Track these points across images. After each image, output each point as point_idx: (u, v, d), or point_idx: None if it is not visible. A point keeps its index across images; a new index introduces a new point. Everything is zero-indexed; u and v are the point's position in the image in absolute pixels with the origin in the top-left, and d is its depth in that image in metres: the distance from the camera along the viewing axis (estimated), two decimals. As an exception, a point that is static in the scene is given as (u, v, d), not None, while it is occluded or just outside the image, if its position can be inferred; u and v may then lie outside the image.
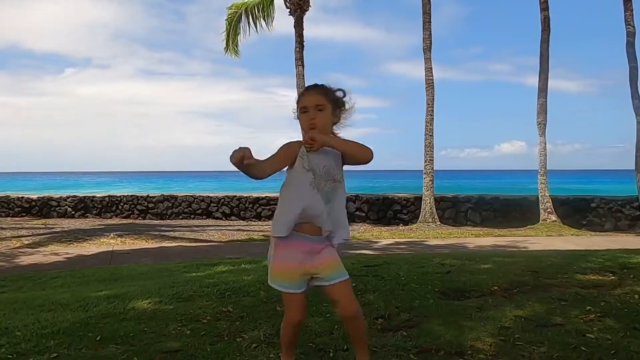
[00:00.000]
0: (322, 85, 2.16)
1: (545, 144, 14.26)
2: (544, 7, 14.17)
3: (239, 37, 16.32)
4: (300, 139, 2.15)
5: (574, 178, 59.37)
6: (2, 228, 13.52)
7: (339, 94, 2.15)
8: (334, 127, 2.14)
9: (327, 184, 2.07)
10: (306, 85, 2.21)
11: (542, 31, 14.26)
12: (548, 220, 13.62)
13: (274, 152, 2.12)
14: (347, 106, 2.17)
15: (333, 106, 2.11)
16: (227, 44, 16.35)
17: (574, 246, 8.64)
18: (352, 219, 15.66)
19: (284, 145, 2.14)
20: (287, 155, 2.10)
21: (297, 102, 2.16)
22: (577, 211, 14.44)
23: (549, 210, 13.82)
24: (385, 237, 11.53)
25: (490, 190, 21.77)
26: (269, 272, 2.13)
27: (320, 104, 2.08)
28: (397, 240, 10.82)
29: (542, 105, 14.18)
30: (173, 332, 2.73)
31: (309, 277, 2.09)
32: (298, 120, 2.17)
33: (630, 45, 13.57)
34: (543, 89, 14.23)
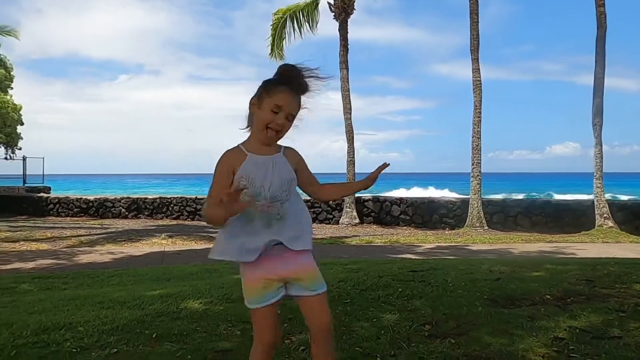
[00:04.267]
0: (305, 87, 1.83)
1: (601, 145, 13.60)
2: (600, 3, 13.54)
3: (284, 41, 16.57)
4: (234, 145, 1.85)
5: (633, 181, 56.21)
6: (63, 227, 14.33)
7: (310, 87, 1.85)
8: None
9: (284, 195, 1.81)
10: (288, 81, 1.79)
11: (597, 28, 13.63)
12: (604, 226, 12.98)
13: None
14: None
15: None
16: (272, 48, 16.63)
17: (633, 254, 8.20)
18: (397, 222, 15.50)
19: (219, 160, 1.81)
20: (228, 174, 1.78)
21: (271, 91, 1.78)
22: (636, 217, 13.65)
23: (605, 215, 13.16)
24: (431, 241, 11.35)
25: (542, 194, 20.99)
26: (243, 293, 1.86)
27: (293, 115, 1.81)
28: (442, 244, 10.63)
29: (598, 106, 13.54)
30: (224, 332, 2.82)
31: (281, 285, 1.84)
32: (251, 109, 1.84)
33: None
34: (599, 89, 13.59)
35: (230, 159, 1.80)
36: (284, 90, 1.78)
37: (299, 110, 1.84)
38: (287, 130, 1.84)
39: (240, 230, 1.78)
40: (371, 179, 1.98)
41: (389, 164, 2.00)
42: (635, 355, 2.44)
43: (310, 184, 1.96)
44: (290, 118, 1.81)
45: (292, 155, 1.89)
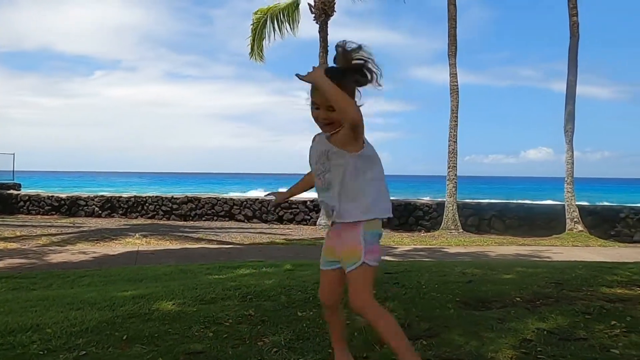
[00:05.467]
0: (334, 75, 1.88)
1: (572, 151, 13.98)
2: (573, 13, 13.92)
3: (264, 42, 16.52)
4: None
5: (603, 187, 57.89)
6: (33, 226, 13.96)
7: (357, 74, 1.93)
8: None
9: (323, 167, 2.02)
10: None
11: (570, 37, 14.02)
12: (574, 230, 13.34)
13: None
14: (365, 81, 1.96)
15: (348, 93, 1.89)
16: (252, 49, 16.56)
17: (601, 257, 8.45)
18: (374, 224, 15.61)
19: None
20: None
21: (310, 91, 1.98)
22: (605, 221, 14.09)
23: (575, 219, 13.53)
24: (407, 243, 11.47)
25: (516, 198, 21.43)
26: None
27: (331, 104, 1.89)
28: (418, 246, 10.76)
29: (570, 112, 13.91)
30: (196, 333, 2.80)
31: (337, 259, 2.07)
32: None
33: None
34: (571, 96, 13.97)
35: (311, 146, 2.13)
36: (313, 87, 1.96)
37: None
38: (338, 118, 1.91)
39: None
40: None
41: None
42: (599, 356, 2.51)
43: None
44: (331, 108, 1.91)
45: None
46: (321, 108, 1.96)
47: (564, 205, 13.96)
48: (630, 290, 3.92)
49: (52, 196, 18.58)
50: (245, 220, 16.78)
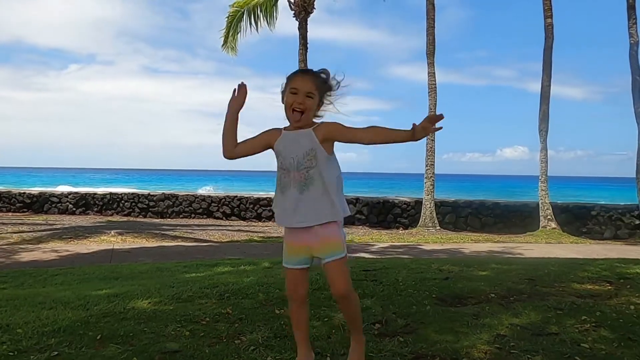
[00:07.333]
0: (318, 74, 2.18)
1: (546, 151, 14.29)
2: (548, 15, 14.20)
3: (238, 35, 16.38)
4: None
5: (576, 185, 59.31)
6: (3, 223, 13.57)
7: (331, 83, 2.19)
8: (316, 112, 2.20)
9: (310, 163, 2.09)
10: (301, 68, 2.29)
11: (545, 38, 14.30)
12: (548, 227, 13.64)
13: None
14: (332, 95, 2.20)
15: (320, 96, 2.16)
16: (225, 40, 16.41)
17: (573, 254, 8.67)
18: (352, 221, 15.66)
19: (265, 130, 2.24)
20: (262, 138, 2.21)
21: (288, 81, 2.16)
22: (577, 219, 14.45)
23: (549, 217, 13.84)
24: (385, 240, 11.56)
25: (491, 196, 21.78)
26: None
27: (311, 92, 2.11)
28: (396, 244, 10.85)
29: (544, 112, 14.20)
30: (172, 332, 2.76)
31: (309, 256, 2.16)
32: (282, 96, 2.17)
33: (633, 54, 13.60)
34: (546, 96, 14.26)
35: (269, 133, 2.20)
36: (297, 75, 2.17)
37: (318, 90, 2.12)
38: (311, 109, 2.12)
39: (278, 198, 2.17)
40: (417, 132, 1.95)
41: (442, 117, 1.92)
42: (570, 350, 2.58)
43: (350, 134, 2.11)
44: (311, 95, 2.10)
45: (323, 127, 2.13)
46: (299, 93, 2.09)
47: (538, 203, 14.26)
48: (600, 286, 4.04)
49: (24, 193, 18.09)
50: (224, 218, 16.65)
